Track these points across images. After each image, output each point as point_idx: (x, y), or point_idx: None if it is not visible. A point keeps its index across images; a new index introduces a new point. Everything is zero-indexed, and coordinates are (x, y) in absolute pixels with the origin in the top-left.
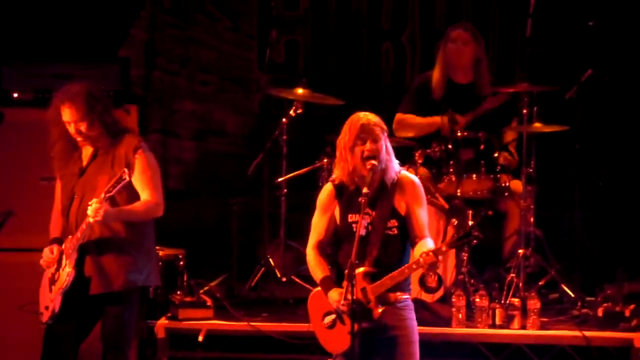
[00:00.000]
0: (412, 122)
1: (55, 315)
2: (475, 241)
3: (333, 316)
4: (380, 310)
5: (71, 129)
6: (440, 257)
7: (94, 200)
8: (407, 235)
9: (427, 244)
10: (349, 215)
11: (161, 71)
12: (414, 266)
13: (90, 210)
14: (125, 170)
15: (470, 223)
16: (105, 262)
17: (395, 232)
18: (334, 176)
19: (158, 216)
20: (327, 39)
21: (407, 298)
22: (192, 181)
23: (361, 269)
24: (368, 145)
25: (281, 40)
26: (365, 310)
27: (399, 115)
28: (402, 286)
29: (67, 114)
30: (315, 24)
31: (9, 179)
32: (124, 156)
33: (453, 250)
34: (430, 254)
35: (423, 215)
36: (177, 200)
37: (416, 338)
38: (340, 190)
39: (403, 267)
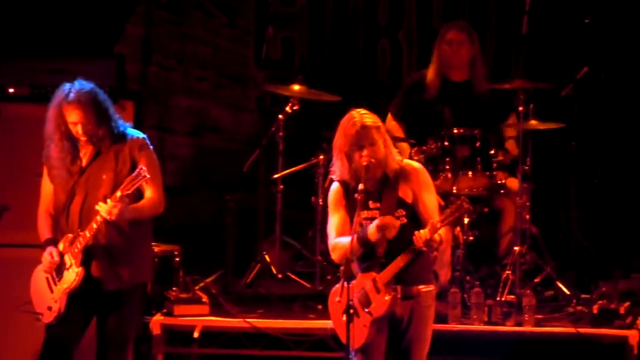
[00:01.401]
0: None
1: (61, 316)
2: (467, 213)
3: (351, 310)
4: (387, 298)
5: (77, 129)
6: (435, 237)
7: (109, 199)
8: (420, 222)
9: None
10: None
11: (157, 67)
12: (413, 248)
13: (103, 209)
14: (143, 167)
15: (461, 198)
16: (112, 259)
17: (405, 220)
18: (334, 175)
19: (160, 213)
20: (323, 35)
21: (429, 290)
22: (188, 177)
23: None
24: (365, 152)
25: (278, 36)
26: (377, 301)
27: (389, 117)
28: (424, 278)
29: (74, 115)
30: (311, 21)
31: (5, 174)
32: (129, 154)
33: (449, 249)
34: (422, 231)
35: (430, 199)
36: (173, 196)
37: (428, 334)
38: (346, 188)
39: (405, 252)
